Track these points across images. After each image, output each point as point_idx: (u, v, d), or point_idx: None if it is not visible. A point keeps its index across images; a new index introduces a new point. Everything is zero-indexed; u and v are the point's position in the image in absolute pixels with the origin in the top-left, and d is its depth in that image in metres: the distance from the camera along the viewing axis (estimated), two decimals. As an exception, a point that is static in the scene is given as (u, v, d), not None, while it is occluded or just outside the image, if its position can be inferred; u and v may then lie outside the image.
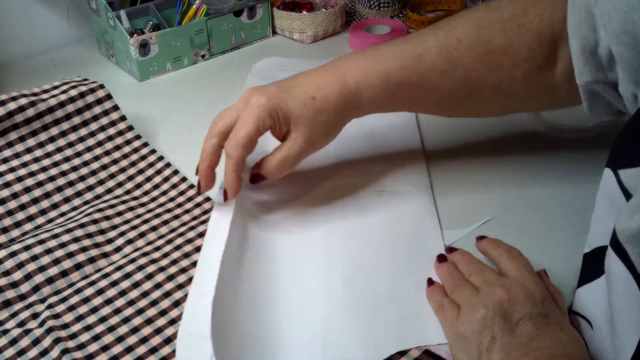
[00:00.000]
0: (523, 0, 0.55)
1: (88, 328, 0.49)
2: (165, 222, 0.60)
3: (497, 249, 0.50)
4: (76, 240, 0.56)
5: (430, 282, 0.52)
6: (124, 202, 0.62)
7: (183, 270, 0.54)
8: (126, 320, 0.50)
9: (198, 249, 0.56)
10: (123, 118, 0.70)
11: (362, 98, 0.56)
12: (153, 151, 0.69)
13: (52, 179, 0.63)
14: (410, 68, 0.56)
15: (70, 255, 0.55)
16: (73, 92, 0.67)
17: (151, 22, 0.86)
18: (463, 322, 0.44)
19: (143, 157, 0.68)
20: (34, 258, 0.54)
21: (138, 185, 0.65)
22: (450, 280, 0.50)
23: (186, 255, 0.56)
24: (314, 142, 0.56)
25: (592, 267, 0.44)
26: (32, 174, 0.62)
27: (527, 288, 0.45)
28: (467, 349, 0.44)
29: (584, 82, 0.51)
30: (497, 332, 0.42)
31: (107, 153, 0.67)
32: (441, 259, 0.53)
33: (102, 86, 0.70)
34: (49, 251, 0.54)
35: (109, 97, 0.70)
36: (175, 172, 0.66)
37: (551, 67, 0.54)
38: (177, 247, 0.57)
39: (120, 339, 0.48)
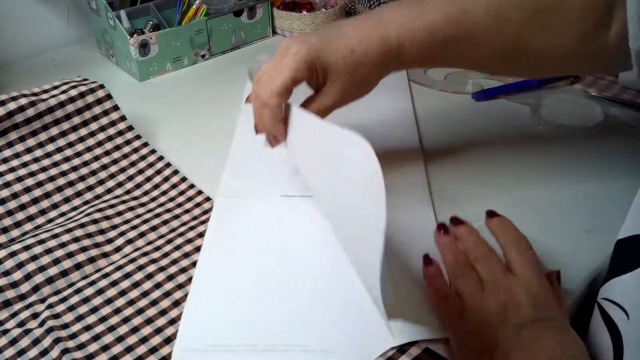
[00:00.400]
0: None
1: (88, 328, 0.49)
2: (165, 222, 0.60)
3: (506, 237, 0.49)
4: (76, 240, 0.56)
5: (428, 260, 0.49)
6: (124, 202, 0.62)
7: (183, 270, 0.54)
8: (126, 320, 0.50)
9: (198, 249, 0.56)
10: (123, 118, 0.70)
11: (405, 52, 0.54)
12: (153, 151, 0.69)
13: (52, 179, 0.63)
14: (457, 23, 0.53)
15: (70, 255, 0.55)
16: (73, 92, 0.67)
17: (151, 22, 0.86)
18: (467, 320, 0.44)
19: (143, 157, 0.68)
20: (34, 258, 0.54)
21: (138, 185, 0.65)
22: (454, 264, 0.48)
23: (186, 255, 0.56)
24: (348, 95, 0.56)
25: (629, 254, 0.43)
26: (32, 174, 0.62)
27: (531, 291, 0.44)
28: (468, 347, 0.43)
29: (637, 47, 0.49)
30: (500, 334, 0.42)
31: (107, 153, 0.67)
32: (443, 229, 0.51)
33: (102, 86, 0.70)
34: (49, 251, 0.54)
35: (108, 97, 0.70)
36: (175, 172, 0.66)
37: (605, 28, 0.52)
38: (177, 247, 0.57)
39: (120, 339, 0.48)
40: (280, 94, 0.53)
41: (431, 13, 0.54)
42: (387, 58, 0.54)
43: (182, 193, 0.64)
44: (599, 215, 0.58)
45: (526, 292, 0.44)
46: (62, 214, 0.60)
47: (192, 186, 0.64)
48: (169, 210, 0.62)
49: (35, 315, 0.50)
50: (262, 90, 0.54)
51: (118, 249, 0.57)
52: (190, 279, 0.53)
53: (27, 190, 0.61)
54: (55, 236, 0.56)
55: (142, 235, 0.58)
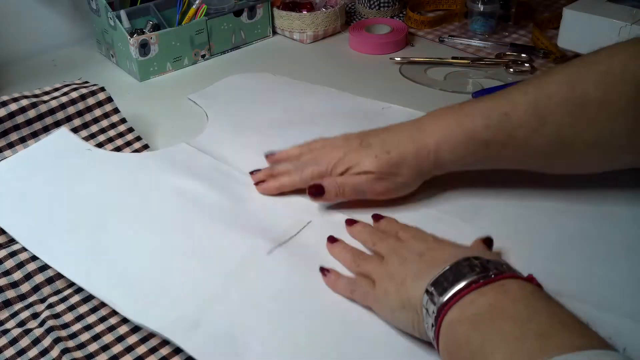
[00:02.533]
0: (622, 53, 0.52)
1: (88, 328, 0.49)
2: (165, 222, 0.60)
3: (393, 227, 0.54)
4: (76, 240, 0.56)
5: (324, 271, 0.52)
6: (124, 202, 0.62)
7: (183, 270, 0.54)
8: (126, 319, 0.50)
9: (198, 249, 0.56)
10: (123, 120, 0.70)
11: (443, 158, 0.56)
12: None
13: (52, 179, 0.63)
14: (497, 126, 0.54)
15: (70, 255, 0.55)
16: (74, 94, 0.68)
17: (151, 22, 0.86)
18: (389, 295, 0.46)
19: (143, 157, 0.68)
20: (34, 258, 0.54)
21: (138, 185, 0.65)
22: (352, 258, 0.52)
23: (186, 255, 0.56)
24: (386, 191, 0.58)
25: None
26: (32, 174, 0.62)
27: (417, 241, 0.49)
28: (404, 316, 0.45)
29: None
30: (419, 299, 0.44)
31: (107, 153, 0.67)
32: (331, 239, 0.55)
33: (102, 89, 0.70)
34: (49, 251, 0.54)
35: (109, 99, 0.70)
36: (175, 172, 0.66)
37: None
38: (177, 247, 0.57)
39: (120, 339, 0.49)
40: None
41: (471, 119, 0.55)
42: (423, 162, 0.56)
43: (182, 193, 0.64)
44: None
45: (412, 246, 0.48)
46: (63, 214, 0.61)
47: (192, 186, 0.64)
48: (169, 210, 0.62)
49: (35, 315, 0.50)
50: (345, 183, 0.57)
51: (118, 249, 0.57)
52: (190, 279, 0.53)
53: (28, 190, 0.61)
54: (56, 236, 0.56)
55: (142, 235, 0.58)
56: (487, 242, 0.50)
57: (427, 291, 0.42)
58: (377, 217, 0.57)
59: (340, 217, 0.58)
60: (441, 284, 0.41)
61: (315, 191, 0.57)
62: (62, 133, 0.66)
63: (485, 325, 0.38)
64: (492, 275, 0.40)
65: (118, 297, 0.50)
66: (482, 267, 0.41)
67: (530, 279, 0.41)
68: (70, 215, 0.58)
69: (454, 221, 0.57)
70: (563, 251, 0.53)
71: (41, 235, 0.56)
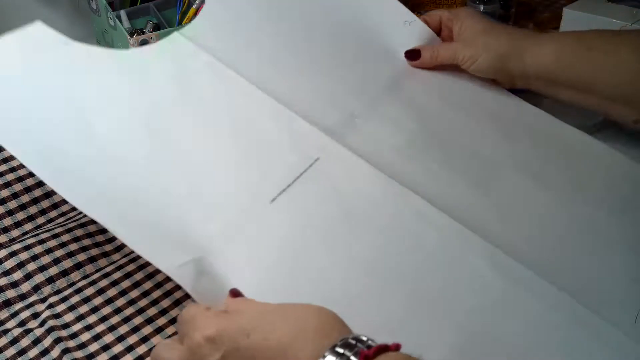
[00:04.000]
0: None
1: (89, 327, 0.49)
2: (166, 222, 0.60)
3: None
4: (76, 239, 0.56)
5: None
6: (124, 201, 0.62)
7: (183, 270, 0.54)
8: (127, 319, 0.50)
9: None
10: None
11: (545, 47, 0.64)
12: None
13: (52, 178, 0.63)
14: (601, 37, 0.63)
15: (70, 254, 0.55)
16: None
17: (151, 22, 0.86)
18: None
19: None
20: (34, 258, 0.54)
21: (138, 185, 0.65)
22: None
23: (186, 254, 0.56)
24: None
25: None
26: (32, 174, 0.62)
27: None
28: None
29: None
30: None
31: (108, 153, 0.67)
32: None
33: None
34: (49, 251, 0.54)
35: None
36: (176, 171, 0.66)
37: None
38: (178, 247, 0.57)
39: (120, 338, 0.48)
40: None
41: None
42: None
43: (182, 193, 0.64)
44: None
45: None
46: (62, 214, 0.60)
47: (192, 186, 0.64)
48: (169, 210, 0.61)
49: (35, 315, 0.50)
50: None
51: (118, 249, 0.57)
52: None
53: (27, 190, 0.61)
54: (56, 236, 0.56)
55: (142, 235, 0.58)
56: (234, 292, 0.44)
57: None
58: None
59: (350, 156, 0.54)
60: None
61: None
62: (37, 25, 0.57)
63: None
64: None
65: (117, 225, 0.45)
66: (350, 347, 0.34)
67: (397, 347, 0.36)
68: (49, 116, 0.51)
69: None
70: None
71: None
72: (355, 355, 0.34)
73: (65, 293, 0.52)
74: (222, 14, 0.64)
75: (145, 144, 0.52)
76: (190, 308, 0.41)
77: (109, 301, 0.51)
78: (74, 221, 0.58)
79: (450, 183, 0.55)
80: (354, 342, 0.35)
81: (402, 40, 0.62)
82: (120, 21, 0.85)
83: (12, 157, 0.63)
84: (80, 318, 0.50)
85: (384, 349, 0.35)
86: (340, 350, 0.34)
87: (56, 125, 0.51)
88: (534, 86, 0.66)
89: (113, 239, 0.58)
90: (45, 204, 0.61)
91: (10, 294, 0.52)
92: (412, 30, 0.69)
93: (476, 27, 0.66)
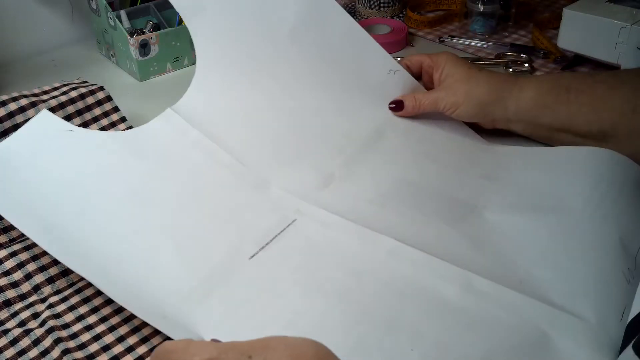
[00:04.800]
0: None
1: (89, 328, 0.49)
2: (166, 222, 0.60)
3: None
4: (77, 240, 0.56)
5: None
6: (124, 202, 0.62)
7: (183, 270, 0.54)
8: (127, 320, 0.50)
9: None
10: (123, 119, 0.70)
11: (526, 95, 0.66)
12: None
13: (52, 179, 0.63)
14: (580, 78, 0.66)
15: (70, 255, 0.55)
16: (73, 94, 0.68)
17: (151, 22, 0.86)
18: None
19: (143, 157, 0.68)
20: (34, 258, 0.54)
21: (138, 185, 0.65)
22: None
23: (186, 255, 0.56)
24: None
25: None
26: (32, 174, 0.62)
27: None
28: None
29: None
30: None
31: (108, 153, 0.67)
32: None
33: (102, 88, 0.70)
34: (49, 251, 0.54)
35: (108, 98, 0.70)
36: (176, 172, 0.66)
37: None
38: (178, 247, 0.57)
39: (121, 339, 0.49)
40: None
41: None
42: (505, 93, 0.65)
43: (182, 193, 0.64)
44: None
45: None
46: (63, 214, 0.60)
47: (192, 186, 0.64)
48: (169, 210, 0.62)
49: (35, 315, 0.50)
50: None
51: (118, 249, 0.57)
52: (190, 279, 0.53)
53: (28, 190, 0.61)
54: (56, 236, 0.56)
55: (142, 235, 0.58)
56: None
57: None
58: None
59: (326, 215, 0.57)
60: None
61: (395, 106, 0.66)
62: (44, 115, 0.63)
63: None
64: None
65: (105, 284, 0.49)
66: None
67: None
68: (51, 200, 0.56)
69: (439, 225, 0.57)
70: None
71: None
72: None
73: (66, 293, 0.52)
74: (211, 85, 0.69)
75: (136, 213, 0.56)
76: (172, 342, 0.38)
77: (109, 301, 0.51)
78: (74, 221, 0.58)
79: (424, 223, 0.57)
80: None
81: (386, 90, 0.63)
82: (120, 21, 0.85)
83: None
84: (80, 318, 0.50)
85: None
86: None
87: (56, 203, 0.56)
88: (513, 127, 0.67)
89: (113, 239, 0.58)
90: (45, 204, 0.61)
91: (10, 294, 0.52)
92: (396, 79, 0.71)
93: (456, 75, 0.67)
